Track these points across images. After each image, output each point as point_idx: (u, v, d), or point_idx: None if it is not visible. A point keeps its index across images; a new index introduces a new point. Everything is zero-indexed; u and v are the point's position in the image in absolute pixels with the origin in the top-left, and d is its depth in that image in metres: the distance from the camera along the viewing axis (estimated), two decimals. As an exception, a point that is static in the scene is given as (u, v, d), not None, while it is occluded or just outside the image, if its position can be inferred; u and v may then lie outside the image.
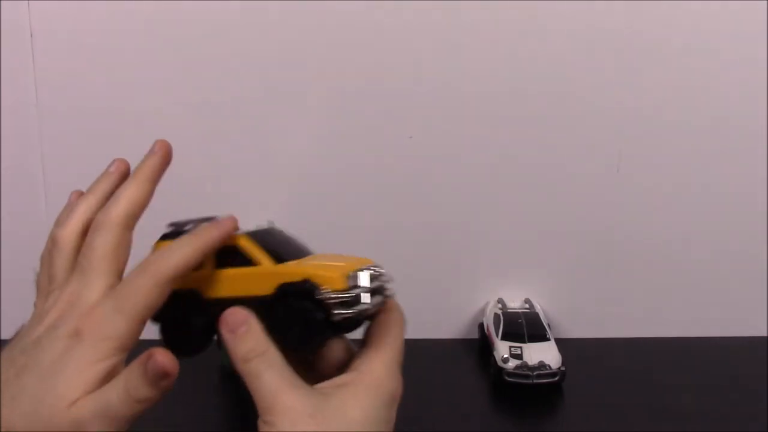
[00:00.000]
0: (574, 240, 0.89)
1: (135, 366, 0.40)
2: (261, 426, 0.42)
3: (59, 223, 0.46)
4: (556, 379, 0.77)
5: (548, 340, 0.81)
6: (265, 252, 0.47)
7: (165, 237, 0.49)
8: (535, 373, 0.77)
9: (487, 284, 0.89)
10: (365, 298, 0.46)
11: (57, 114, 0.83)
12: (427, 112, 0.84)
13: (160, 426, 0.71)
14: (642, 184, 0.87)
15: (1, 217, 0.85)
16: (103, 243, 0.44)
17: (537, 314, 0.85)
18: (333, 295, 0.44)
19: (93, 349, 0.40)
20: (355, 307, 0.45)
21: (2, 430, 0.39)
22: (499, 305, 0.86)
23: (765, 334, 0.90)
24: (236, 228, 0.46)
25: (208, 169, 0.85)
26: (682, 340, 0.90)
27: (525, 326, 0.82)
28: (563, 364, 0.78)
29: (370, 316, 0.48)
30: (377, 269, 0.48)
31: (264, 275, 0.46)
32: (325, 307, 0.44)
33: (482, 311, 0.89)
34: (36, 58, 0.81)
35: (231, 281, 0.47)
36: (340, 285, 0.45)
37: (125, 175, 0.49)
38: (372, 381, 0.44)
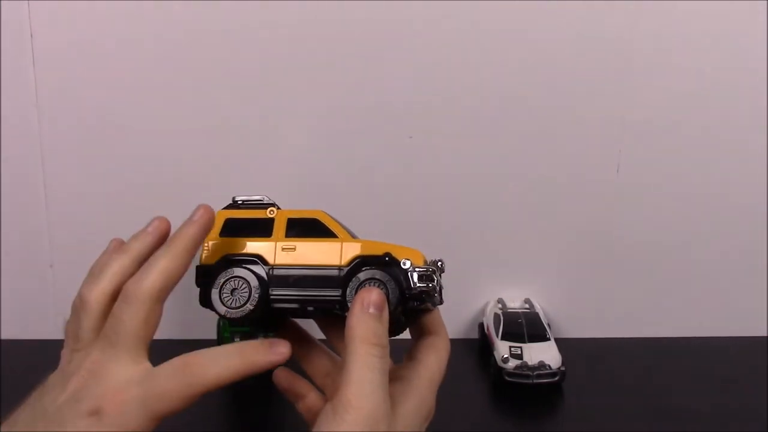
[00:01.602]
0: (574, 240, 0.89)
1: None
2: (336, 410, 0.40)
3: (92, 277, 0.45)
4: (556, 379, 0.77)
5: (548, 340, 0.81)
6: (341, 228, 0.49)
7: (230, 206, 0.51)
8: (535, 373, 0.77)
9: (487, 284, 0.90)
10: (438, 281, 0.48)
11: (57, 114, 0.83)
12: (427, 112, 0.84)
13: (160, 426, 0.71)
14: (642, 184, 0.87)
15: (1, 217, 0.85)
16: (131, 317, 0.42)
17: (537, 314, 0.85)
18: (415, 267, 0.46)
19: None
20: (431, 283, 0.46)
21: None
22: (499, 305, 0.86)
23: (765, 334, 0.90)
24: (290, 354, 0.44)
25: (208, 168, 0.85)
26: (682, 340, 0.90)
27: (525, 326, 0.82)
28: (563, 364, 0.78)
29: (424, 311, 0.49)
30: (443, 263, 0.50)
31: (342, 247, 0.47)
32: (405, 278, 0.46)
33: (482, 311, 0.89)
34: (36, 58, 0.81)
35: (303, 250, 0.47)
36: (420, 261, 0.47)
37: (164, 237, 0.47)
38: (423, 395, 0.46)
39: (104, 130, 0.84)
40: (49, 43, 0.81)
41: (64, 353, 0.44)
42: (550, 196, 0.87)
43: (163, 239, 0.46)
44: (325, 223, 0.49)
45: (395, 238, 0.88)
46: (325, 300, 0.46)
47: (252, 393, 0.78)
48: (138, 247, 0.46)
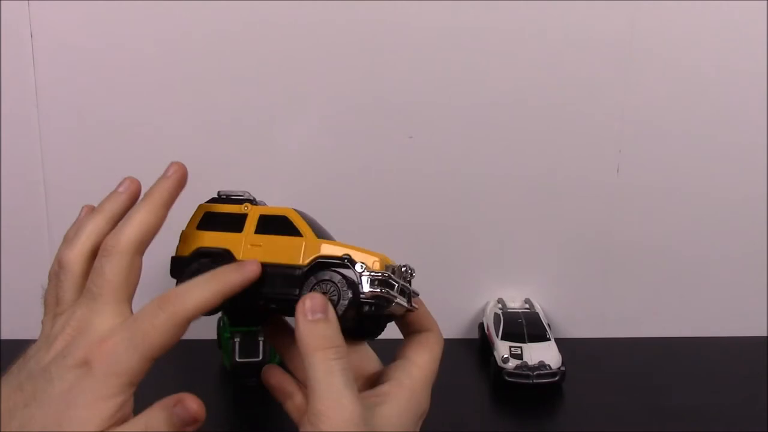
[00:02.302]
0: (574, 240, 0.89)
1: (158, 410, 0.39)
2: (311, 421, 0.40)
3: (67, 241, 0.46)
4: (556, 379, 0.77)
5: (548, 340, 0.81)
6: (309, 227, 0.49)
7: (212, 201, 0.52)
8: (535, 373, 0.77)
9: (487, 284, 0.90)
10: (397, 287, 0.47)
11: (57, 114, 0.83)
12: (427, 112, 0.84)
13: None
14: (641, 184, 0.87)
15: (1, 217, 0.85)
16: (113, 269, 0.42)
17: (537, 314, 0.85)
18: (368, 272, 0.46)
19: (103, 384, 0.39)
20: (386, 290, 0.46)
21: None
22: (499, 305, 0.86)
23: (765, 334, 0.90)
24: (259, 275, 0.45)
25: (208, 168, 0.85)
26: (682, 340, 0.90)
27: (525, 326, 0.82)
28: (563, 364, 0.78)
29: (394, 316, 0.49)
30: (409, 269, 0.50)
31: (304, 246, 0.48)
32: (356, 282, 0.45)
33: (482, 311, 0.89)
34: (36, 58, 0.81)
35: (267, 246, 0.48)
36: (378, 268, 0.47)
37: (135, 196, 0.48)
38: (411, 396, 0.45)
39: (104, 130, 0.84)
40: (49, 43, 0.81)
41: (45, 321, 0.45)
42: (551, 196, 0.87)
43: (134, 199, 0.48)
44: (294, 222, 0.49)
45: (395, 238, 0.88)
46: (284, 299, 0.46)
47: (252, 393, 0.78)
48: (111, 207, 0.47)
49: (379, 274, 0.46)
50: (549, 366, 0.77)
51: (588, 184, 0.87)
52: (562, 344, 0.81)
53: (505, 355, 0.78)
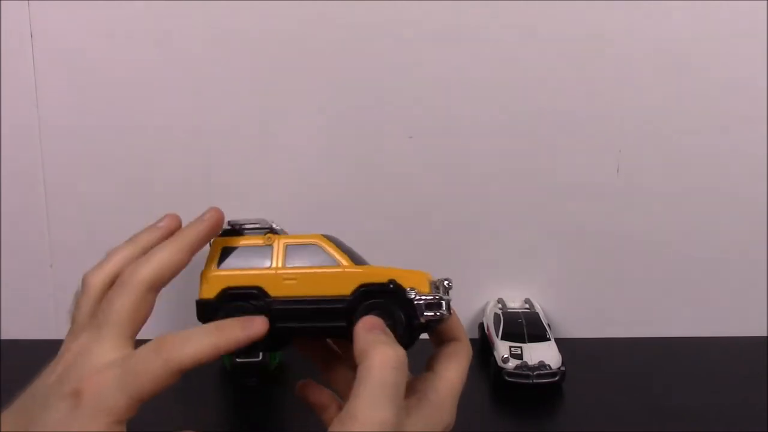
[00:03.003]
0: (574, 240, 0.89)
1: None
2: (342, 421, 0.40)
3: (97, 264, 0.46)
4: (556, 379, 0.77)
5: (548, 340, 0.81)
6: (342, 253, 0.47)
7: (225, 233, 0.49)
8: (535, 373, 0.77)
9: (487, 284, 0.89)
10: (446, 304, 0.46)
11: (57, 114, 0.83)
12: (427, 112, 0.84)
13: (160, 426, 0.71)
14: (642, 184, 0.87)
15: (1, 217, 0.85)
16: (122, 302, 0.43)
17: (537, 314, 0.85)
18: (421, 297, 0.45)
19: (91, 420, 0.39)
20: (439, 311, 0.45)
21: None
22: (499, 305, 0.86)
23: (765, 334, 0.90)
24: (266, 329, 0.44)
25: (208, 169, 0.85)
26: (682, 340, 0.90)
27: (525, 326, 0.82)
28: (563, 364, 0.78)
29: (433, 329, 0.47)
30: (449, 282, 0.49)
31: (343, 276, 0.46)
32: (411, 309, 0.44)
33: (482, 311, 0.89)
34: (36, 58, 0.81)
35: (303, 280, 0.46)
36: (426, 289, 0.46)
37: (172, 234, 0.47)
38: (437, 410, 0.45)
39: (104, 131, 0.84)
40: (49, 43, 0.81)
41: (66, 338, 0.45)
42: (551, 196, 0.87)
43: (170, 236, 0.47)
44: (325, 249, 0.47)
45: (395, 238, 0.89)
46: (330, 331, 0.45)
47: (252, 393, 0.78)
48: (146, 239, 0.47)
49: (431, 297, 0.45)
50: (549, 366, 0.77)
51: (588, 184, 0.87)
52: (562, 344, 0.81)
53: (505, 355, 0.78)
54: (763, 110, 0.84)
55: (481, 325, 0.88)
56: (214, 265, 0.47)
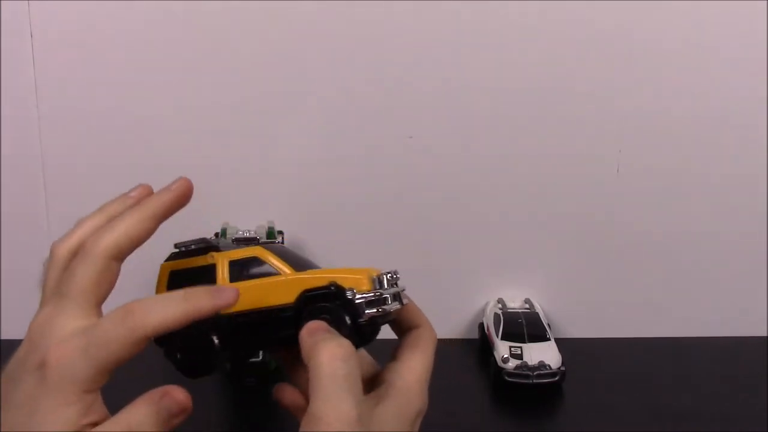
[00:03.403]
0: (574, 240, 0.89)
1: (143, 405, 0.39)
2: (308, 422, 0.39)
3: (65, 235, 0.46)
4: (556, 379, 0.77)
5: (548, 340, 0.81)
6: (283, 261, 0.46)
7: (173, 257, 0.49)
8: (535, 373, 0.77)
9: (487, 284, 0.89)
10: (390, 299, 0.46)
11: (57, 114, 0.83)
12: (427, 112, 0.84)
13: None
14: (642, 184, 0.87)
15: (1, 217, 0.85)
16: (84, 272, 0.42)
17: (537, 314, 0.85)
18: (361, 296, 0.44)
19: (58, 392, 0.38)
20: (382, 307, 0.44)
21: None
22: (499, 305, 0.86)
23: (765, 334, 0.90)
24: (235, 301, 0.42)
25: (208, 169, 0.85)
26: (682, 340, 0.90)
27: (525, 326, 0.82)
28: (563, 364, 0.78)
29: (390, 321, 0.47)
30: (395, 274, 0.48)
31: (286, 284, 0.45)
32: (352, 309, 0.44)
33: (482, 311, 0.89)
34: (36, 58, 0.81)
35: (248, 293, 0.45)
36: (366, 287, 0.45)
37: None
38: (405, 396, 0.44)
39: (104, 130, 0.84)
40: (49, 43, 0.81)
41: (37, 311, 0.44)
42: (551, 196, 0.87)
43: None
44: (266, 259, 0.46)
45: (395, 238, 0.89)
46: (281, 340, 0.45)
47: (252, 393, 0.78)
48: (113, 209, 0.46)
49: (371, 294, 0.44)
50: (549, 366, 0.77)
51: (588, 184, 0.87)
52: (562, 344, 0.81)
53: (505, 355, 0.78)
54: (763, 110, 0.84)
55: (481, 325, 0.88)
56: (163, 289, 0.48)
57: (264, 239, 0.78)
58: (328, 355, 0.40)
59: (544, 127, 0.85)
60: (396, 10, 0.81)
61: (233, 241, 0.76)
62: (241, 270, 0.46)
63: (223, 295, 0.41)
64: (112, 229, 0.43)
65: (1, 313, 0.86)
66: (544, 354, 0.78)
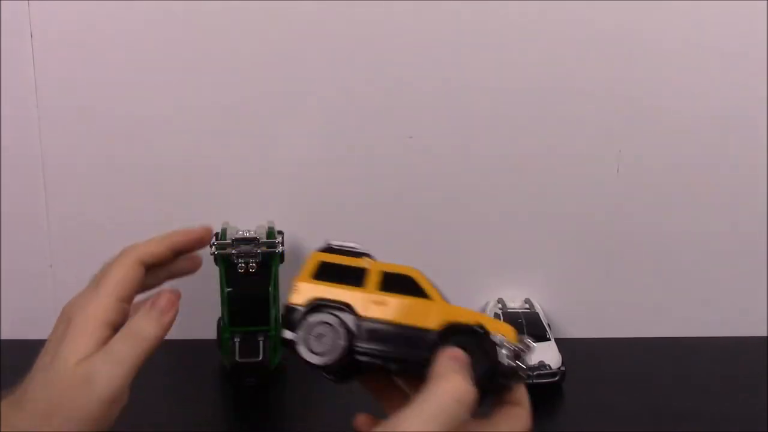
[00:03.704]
0: (574, 240, 0.89)
1: (139, 312, 0.49)
2: (392, 424, 0.41)
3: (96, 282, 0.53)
4: (556, 379, 0.77)
5: (548, 340, 0.81)
6: (435, 289, 0.48)
7: (327, 249, 0.51)
8: (535, 373, 0.77)
9: (487, 284, 0.89)
10: (529, 359, 0.47)
11: (57, 114, 0.83)
12: (427, 112, 0.84)
13: (160, 426, 0.71)
14: (642, 184, 0.87)
15: (1, 217, 0.85)
16: (114, 266, 0.51)
17: (537, 314, 0.85)
18: (508, 343, 0.45)
19: (82, 325, 0.48)
20: (522, 362, 0.46)
21: (25, 404, 0.45)
22: (499, 305, 0.86)
23: (765, 334, 0.90)
24: (210, 236, 0.53)
25: (208, 169, 0.85)
26: (682, 340, 0.90)
27: (525, 326, 0.82)
28: (563, 364, 0.78)
29: (508, 386, 0.47)
30: (530, 343, 0.48)
31: (434, 310, 0.47)
32: (494, 354, 0.45)
33: (482, 311, 0.89)
34: (36, 58, 0.81)
35: (395, 307, 0.47)
36: (513, 338, 0.46)
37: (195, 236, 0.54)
38: None
39: (104, 130, 0.84)
40: (49, 43, 0.81)
41: None
42: (551, 196, 0.87)
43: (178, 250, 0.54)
44: (419, 283, 0.48)
45: (395, 238, 0.89)
46: (410, 361, 0.45)
47: (252, 393, 0.78)
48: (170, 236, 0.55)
49: (518, 346, 0.46)
50: (549, 366, 0.77)
51: (588, 184, 0.87)
52: (562, 344, 0.81)
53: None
54: (763, 110, 0.84)
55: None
56: (308, 275, 0.49)
57: (264, 239, 0.78)
58: (452, 387, 0.42)
59: (544, 127, 0.85)
60: (396, 10, 0.81)
61: (233, 240, 0.76)
62: (391, 283, 0.48)
63: (193, 231, 0.53)
64: (145, 242, 0.53)
65: (1, 313, 0.86)
66: (544, 354, 0.78)
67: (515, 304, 0.87)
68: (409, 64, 0.83)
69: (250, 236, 0.77)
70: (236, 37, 0.81)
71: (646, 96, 0.84)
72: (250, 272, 0.77)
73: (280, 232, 0.81)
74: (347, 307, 0.47)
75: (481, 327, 0.46)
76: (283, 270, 0.80)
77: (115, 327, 0.49)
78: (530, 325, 0.82)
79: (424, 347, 0.45)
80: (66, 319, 0.49)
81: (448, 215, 0.87)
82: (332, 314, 0.46)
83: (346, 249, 0.50)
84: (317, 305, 0.47)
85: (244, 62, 0.82)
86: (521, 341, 0.47)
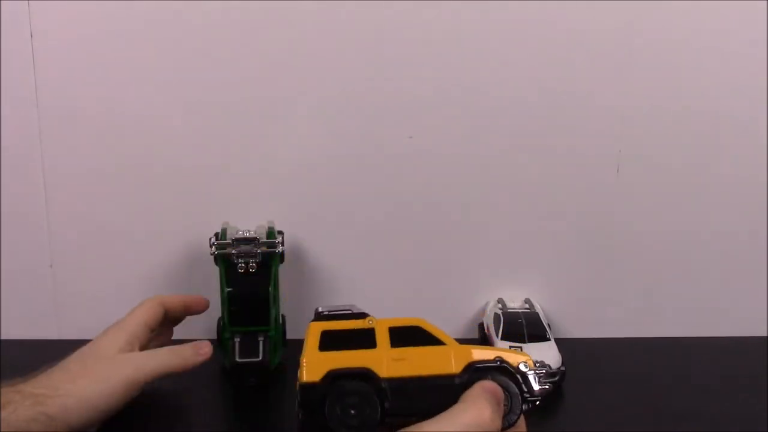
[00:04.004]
0: (574, 240, 0.89)
1: (186, 344, 0.69)
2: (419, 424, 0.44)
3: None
4: (556, 379, 0.77)
5: (548, 340, 0.81)
6: (443, 333, 0.49)
7: (322, 318, 0.50)
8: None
9: (487, 284, 0.89)
10: (550, 378, 0.50)
11: (57, 114, 0.83)
12: (427, 112, 0.84)
13: (160, 426, 0.71)
14: (642, 183, 0.87)
15: (1, 217, 0.85)
16: (139, 307, 0.71)
17: (537, 314, 0.85)
18: (533, 371, 0.47)
19: (117, 332, 0.67)
20: (549, 383, 0.48)
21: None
22: (499, 305, 0.86)
23: (765, 334, 0.90)
24: (210, 354, 0.70)
25: (208, 169, 0.85)
26: (682, 340, 0.90)
27: (525, 326, 0.82)
28: (563, 364, 0.78)
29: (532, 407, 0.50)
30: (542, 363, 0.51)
31: (452, 353, 0.47)
32: (526, 383, 0.47)
33: (482, 311, 0.89)
34: (36, 58, 0.81)
35: (413, 360, 0.47)
36: (531, 363, 0.48)
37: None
38: None
39: (104, 130, 0.84)
40: (49, 43, 0.81)
41: None
42: (550, 196, 0.87)
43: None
44: (429, 331, 0.48)
45: (395, 238, 0.89)
46: (440, 409, 0.45)
47: (252, 393, 0.78)
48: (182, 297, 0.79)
49: (543, 369, 0.48)
50: (549, 366, 0.77)
51: (588, 183, 0.87)
52: (562, 344, 0.81)
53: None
54: (763, 110, 0.84)
55: (481, 325, 0.88)
56: (314, 348, 0.48)
57: (264, 239, 0.78)
58: (480, 414, 0.43)
59: (544, 127, 0.85)
60: (396, 10, 0.81)
61: (233, 240, 0.76)
62: (401, 337, 0.48)
63: (202, 350, 0.69)
64: (165, 295, 0.75)
65: (1, 313, 0.86)
66: (544, 354, 0.78)
67: (515, 304, 0.87)
68: (409, 64, 0.83)
69: (250, 236, 0.77)
70: (236, 37, 0.81)
71: (646, 96, 0.84)
72: (251, 272, 0.77)
73: (280, 232, 0.81)
74: (367, 371, 0.46)
75: (499, 359, 0.47)
76: (282, 270, 0.80)
77: (141, 344, 0.67)
78: (530, 325, 0.82)
79: (454, 392, 0.46)
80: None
81: (448, 215, 0.87)
82: (357, 382, 0.46)
83: (343, 312, 0.50)
84: (334, 376, 0.46)
85: (244, 62, 0.82)
86: (539, 363, 0.49)
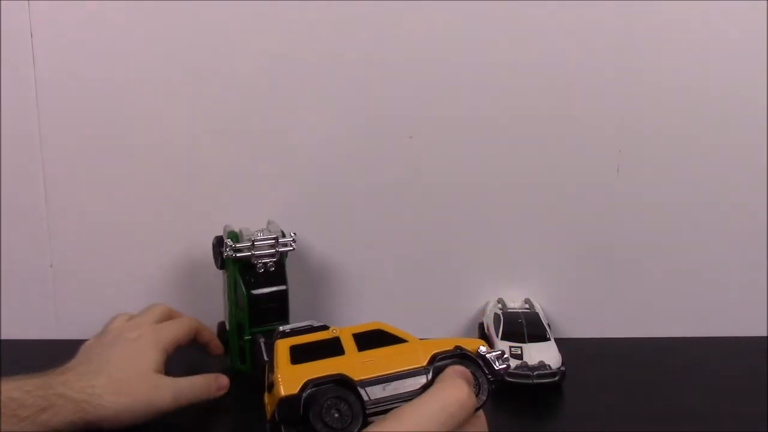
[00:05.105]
0: (574, 240, 0.89)
1: (204, 376, 0.71)
2: (387, 419, 0.46)
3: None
4: (556, 379, 0.77)
5: (548, 340, 0.81)
6: (402, 331, 0.52)
7: (285, 335, 0.53)
8: (535, 373, 0.77)
9: (487, 284, 0.89)
10: (508, 361, 0.54)
11: (57, 114, 0.83)
12: (427, 112, 0.84)
13: (162, 425, 0.71)
14: (642, 184, 0.87)
15: (1, 217, 0.85)
16: (173, 326, 0.75)
17: (537, 314, 0.85)
18: (491, 353, 0.51)
19: (148, 344, 0.70)
20: (507, 362, 0.52)
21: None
22: (499, 305, 0.86)
23: (765, 334, 0.90)
24: (227, 386, 0.73)
25: (208, 168, 0.85)
26: (682, 340, 0.90)
27: (525, 326, 0.82)
28: (563, 364, 0.78)
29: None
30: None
31: (417, 348, 0.51)
32: (488, 365, 0.51)
33: (482, 311, 0.89)
34: (36, 58, 0.81)
35: (381, 360, 0.50)
36: (486, 346, 0.52)
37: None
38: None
39: (105, 130, 0.84)
40: (49, 43, 0.81)
41: (120, 317, 0.76)
42: (550, 196, 0.87)
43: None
44: (389, 332, 0.51)
45: (395, 238, 0.89)
46: (415, 395, 0.49)
47: (252, 394, 0.77)
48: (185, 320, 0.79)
49: (497, 351, 0.52)
50: (549, 366, 0.77)
51: (588, 184, 0.87)
52: (562, 344, 0.81)
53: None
54: (763, 110, 0.84)
55: (481, 325, 0.88)
56: (287, 364, 0.50)
57: (281, 239, 0.79)
58: (457, 391, 0.47)
59: (544, 127, 0.85)
60: (396, 10, 0.81)
61: (252, 242, 0.76)
62: (365, 341, 0.51)
63: (221, 384, 0.72)
64: (203, 327, 0.81)
65: (1, 313, 0.86)
66: (544, 354, 0.78)
67: (515, 304, 0.87)
68: (409, 64, 0.83)
69: (270, 236, 0.77)
70: (238, 37, 0.81)
71: (646, 95, 0.84)
72: (270, 271, 0.77)
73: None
74: (342, 376, 0.49)
75: (458, 348, 0.51)
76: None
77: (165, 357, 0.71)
78: (530, 325, 0.82)
79: (424, 384, 0.49)
80: (137, 335, 0.71)
81: (448, 215, 0.87)
82: (336, 388, 0.48)
83: (305, 328, 0.52)
84: (314, 385, 0.48)
85: (244, 62, 0.82)
86: (495, 348, 0.53)
